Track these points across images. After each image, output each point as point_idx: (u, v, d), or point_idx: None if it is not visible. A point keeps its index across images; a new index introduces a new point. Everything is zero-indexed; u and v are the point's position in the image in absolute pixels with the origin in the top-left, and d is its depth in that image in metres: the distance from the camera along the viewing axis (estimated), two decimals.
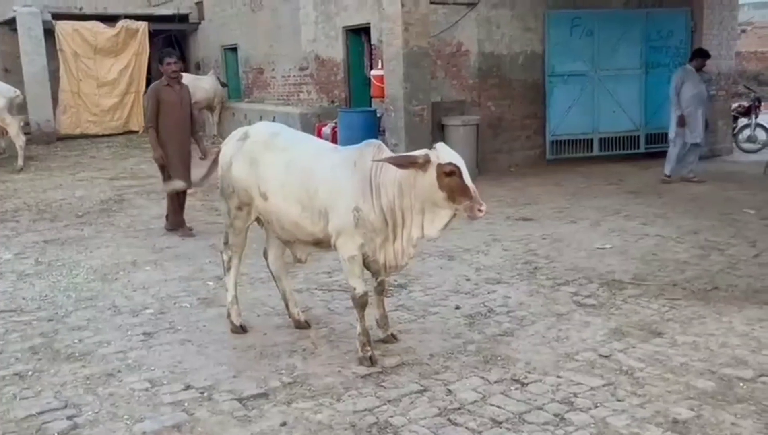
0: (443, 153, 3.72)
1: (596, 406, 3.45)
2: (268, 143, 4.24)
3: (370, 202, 3.81)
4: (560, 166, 11.22)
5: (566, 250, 6.40)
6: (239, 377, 3.90)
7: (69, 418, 3.45)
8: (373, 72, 12.13)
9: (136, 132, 17.83)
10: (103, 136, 17.31)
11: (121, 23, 17.62)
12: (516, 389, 3.68)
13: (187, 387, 3.79)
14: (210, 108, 16.27)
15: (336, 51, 13.64)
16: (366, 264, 4.02)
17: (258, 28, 16.06)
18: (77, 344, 4.43)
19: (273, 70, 15.81)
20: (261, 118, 14.31)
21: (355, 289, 3.99)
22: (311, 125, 12.26)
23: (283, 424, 3.37)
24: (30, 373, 4.00)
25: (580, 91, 11.41)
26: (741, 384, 3.64)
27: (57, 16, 17.18)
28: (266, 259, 4.67)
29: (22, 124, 15.60)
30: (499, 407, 3.48)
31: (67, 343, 4.44)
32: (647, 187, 9.42)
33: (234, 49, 17.42)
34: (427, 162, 3.68)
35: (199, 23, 18.92)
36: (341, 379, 3.85)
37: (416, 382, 3.79)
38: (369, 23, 12.75)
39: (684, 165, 9.77)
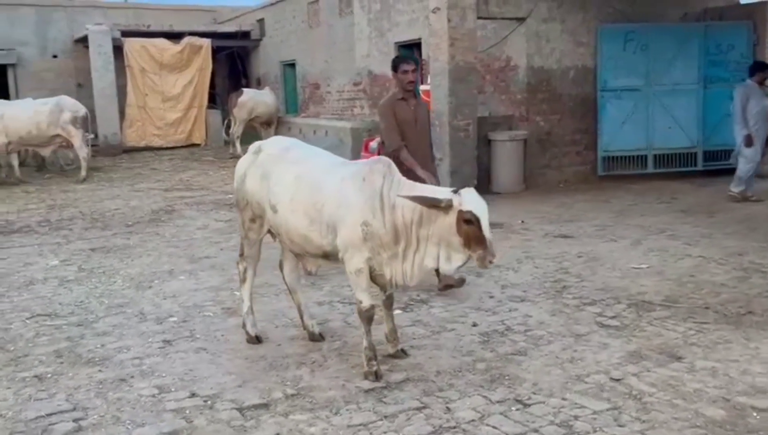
0: (467, 199, 3.71)
1: (595, 431, 3.34)
2: (279, 157, 4.32)
3: (381, 218, 3.84)
4: (612, 182, 10.96)
5: (600, 270, 6.23)
6: (244, 387, 3.95)
7: (75, 420, 3.57)
8: (422, 87, 12.15)
9: (198, 145, 18.42)
10: (166, 148, 17.95)
11: (185, 40, 18.28)
12: (517, 410, 3.60)
13: (192, 395, 3.87)
14: (269, 123, 16.64)
15: (388, 66, 13.68)
16: (372, 277, 4.02)
17: (315, 44, 16.36)
18: (99, 349, 4.59)
19: (328, 85, 16.06)
20: (314, 133, 14.60)
21: (361, 302, 3.99)
22: (361, 140, 12.37)
23: None
24: (49, 375, 4.16)
25: (633, 106, 11.13)
26: (755, 414, 3.45)
27: (126, 34, 17.96)
28: (282, 271, 4.73)
29: (92, 136, 16.42)
30: (494, 428, 3.41)
31: (90, 348, 4.60)
32: (699, 206, 9.07)
33: (292, 65, 17.80)
34: (449, 206, 3.69)
35: (260, 40, 19.40)
36: (343, 393, 3.85)
37: (417, 399, 3.76)
38: (420, 38, 12.82)
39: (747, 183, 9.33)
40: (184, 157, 16.89)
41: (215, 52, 18.93)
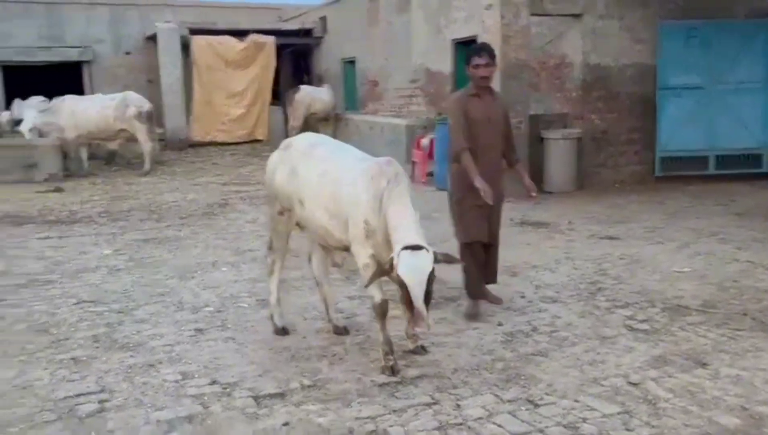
0: (403, 263, 3.69)
1: (601, 434, 3.30)
2: (306, 153, 4.42)
3: (376, 221, 3.90)
4: (669, 183, 10.64)
5: (640, 272, 6.09)
6: (264, 376, 4.07)
7: (100, 402, 3.77)
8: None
9: (261, 141, 18.83)
10: (230, 144, 18.39)
11: (250, 38, 18.68)
12: (526, 410, 3.59)
13: (213, 382, 4.01)
14: (326, 119, 16.87)
15: (445, 63, 13.71)
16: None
17: (374, 42, 16.47)
18: (134, 336, 4.80)
19: (386, 82, 16.14)
20: (370, 129, 14.72)
21: (373, 297, 4.06)
22: (416, 137, 12.41)
23: (285, 424, 3.50)
24: (84, 358, 4.39)
25: (694, 105, 10.77)
26: None
27: (193, 31, 18.48)
28: (310, 263, 4.84)
29: (160, 131, 17.02)
30: (499, 426, 3.42)
31: (126, 334, 4.82)
32: (758, 209, 8.72)
33: (352, 62, 17.96)
34: (391, 267, 3.76)
35: (322, 37, 19.65)
36: (358, 386, 3.92)
37: (429, 395, 3.79)
38: (476, 35, 12.72)
39: None
40: (246, 152, 17.29)
41: (279, 49, 19.28)
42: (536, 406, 3.63)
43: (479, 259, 5.12)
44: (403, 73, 15.35)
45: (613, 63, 10.74)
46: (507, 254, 6.36)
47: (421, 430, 3.42)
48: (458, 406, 3.66)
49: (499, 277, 5.76)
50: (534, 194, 5.28)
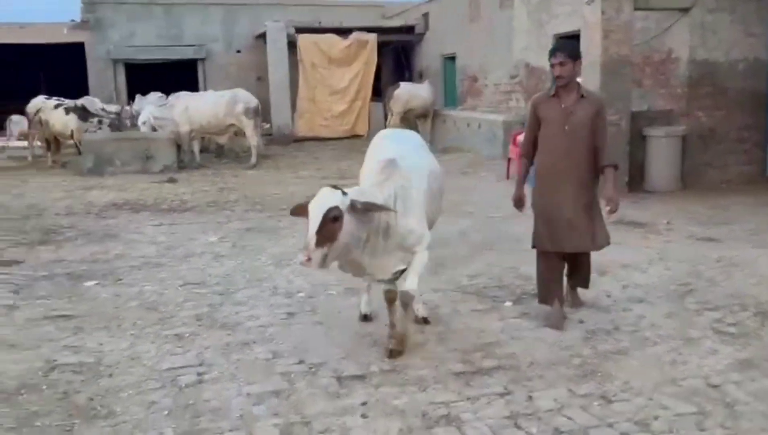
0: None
1: (671, 432, 3.32)
2: (375, 144, 4.82)
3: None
4: None
5: (736, 275, 5.91)
6: (347, 359, 4.31)
7: (198, 374, 4.12)
8: (579, 79, 11.91)
9: (361, 136, 19.26)
10: (332, 139, 18.94)
11: (353, 35, 19.15)
12: (598, 405, 3.64)
13: (300, 362, 4.29)
14: (425, 115, 17.05)
15: (545, 59, 13.50)
16: None
17: (475, 38, 16.49)
18: (233, 316, 5.17)
19: (486, 78, 16.14)
20: (468, 125, 14.78)
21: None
22: (512, 133, 12.38)
23: (363, 403, 3.72)
24: (187, 335, 4.79)
25: None
26: None
27: (300, 30, 19.14)
28: None
29: (267, 126, 17.76)
30: (569, 419, 3.49)
31: (225, 314, 5.20)
32: None
33: (453, 58, 18.04)
34: None
35: (424, 34, 19.83)
36: (435, 374, 4.08)
37: (503, 385, 3.90)
38: (579, 30, 12.51)
39: None
40: (346, 147, 17.73)
41: (381, 46, 19.64)
42: (609, 402, 3.67)
43: (549, 264, 4.91)
44: (502, 69, 15.31)
45: (722, 58, 10.32)
46: (597, 253, 6.30)
47: (492, 417, 3.54)
48: (530, 397, 3.75)
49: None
50: (610, 210, 4.86)
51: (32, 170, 14.23)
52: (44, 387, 3.98)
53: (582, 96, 4.80)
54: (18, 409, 3.72)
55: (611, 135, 9.75)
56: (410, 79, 19.58)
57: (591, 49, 9.97)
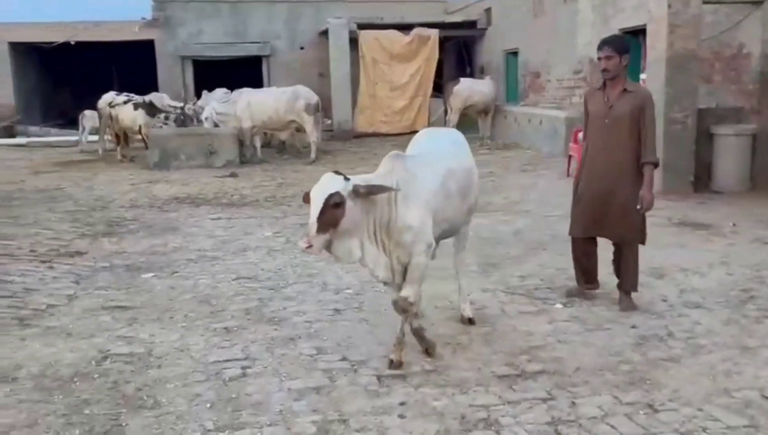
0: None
1: None
2: (414, 140, 5.01)
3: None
4: None
5: None
6: (389, 358, 4.30)
7: (243, 368, 4.19)
8: (642, 75, 11.60)
9: None
10: (392, 135, 18.94)
11: (414, 31, 19.08)
12: (644, 414, 3.53)
13: (343, 358, 4.31)
14: (485, 111, 16.87)
15: None
16: None
17: (538, 33, 16.20)
18: (281, 311, 5.24)
19: (548, 73, 15.84)
20: (529, 121, 14.56)
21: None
22: (574, 130, 12.12)
23: (402, 403, 3.71)
24: (235, 328, 4.88)
25: None
26: None
27: (361, 26, 19.20)
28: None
29: (328, 122, 17.91)
30: (612, 427, 3.40)
31: (273, 309, 5.28)
32: None
33: (515, 54, 17.78)
34: None
35: (486, 29, 19.61)
36: (477, 376, 4.04)
37: (546, 390, 3.83)
38: (645, 25, 12.14)
39: None
40: (406, 143, 17.53)
41: (443, 41, 19.51)
42: (656, 411, 3.56)
43: (579, 252, 5.28)
44: (566, 64, 14.99)
45: None
46: (656, 255, 6.16)
47: (532, 423, 3.48)
48: (574, 404, 3.67)
49: (643, 279, 5.52)
50: (641, 208, 4.87)
51: (102, 164, 14.76)
52: (96, 376, 4.12)
53: (625, 90, 4.90)
54: (70, 396, 3.87)
55: (677, 133, 9.62)
56: (471, 75, 19.40)
57: (656, 44, 9.69)
